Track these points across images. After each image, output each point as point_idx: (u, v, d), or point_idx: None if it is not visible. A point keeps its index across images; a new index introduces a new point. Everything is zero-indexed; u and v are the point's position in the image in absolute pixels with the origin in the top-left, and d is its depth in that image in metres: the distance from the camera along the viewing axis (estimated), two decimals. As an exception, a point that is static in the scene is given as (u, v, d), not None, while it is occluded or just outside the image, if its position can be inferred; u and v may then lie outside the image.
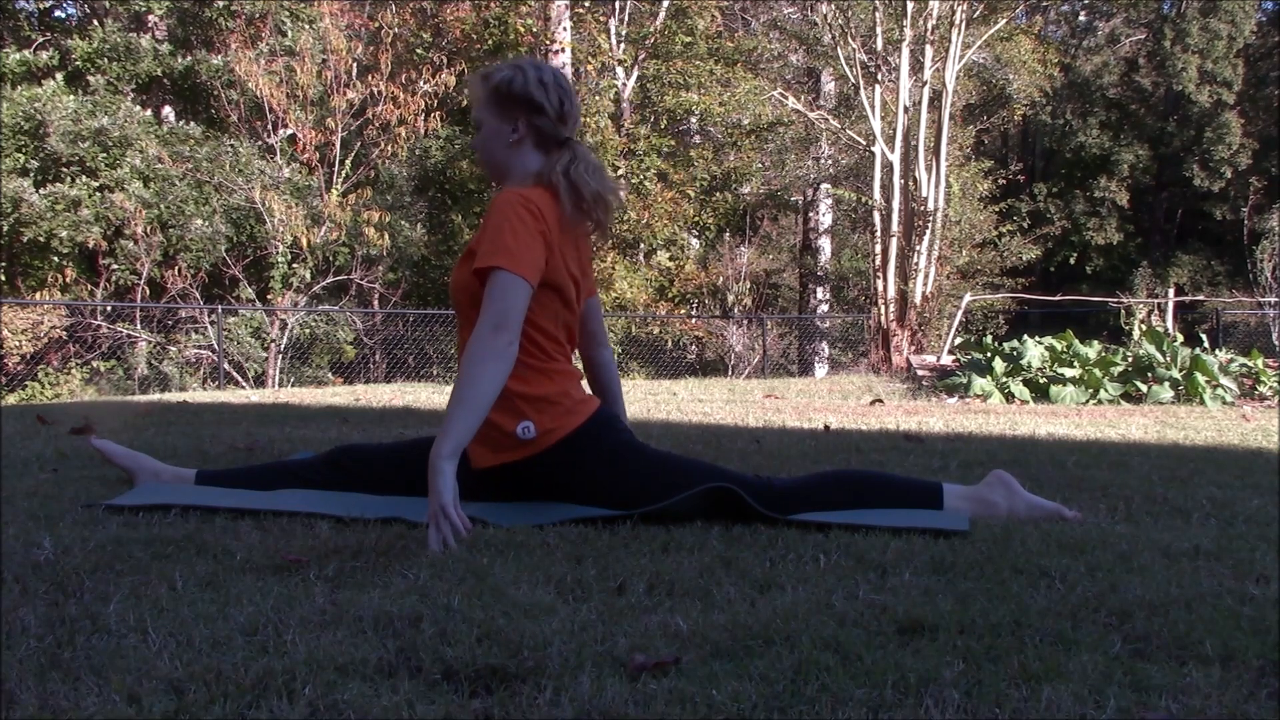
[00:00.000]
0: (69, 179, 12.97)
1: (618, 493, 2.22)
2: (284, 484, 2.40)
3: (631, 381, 12.10)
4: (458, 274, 2.28)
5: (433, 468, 1.96)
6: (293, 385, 12.04)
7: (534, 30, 15.80)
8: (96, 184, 13.03)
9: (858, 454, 3.61)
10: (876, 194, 13.77)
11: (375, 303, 15.42)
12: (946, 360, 10.71)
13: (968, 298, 13.52)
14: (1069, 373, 8.00)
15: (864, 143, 15.09)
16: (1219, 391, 7.66)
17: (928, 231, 13.06)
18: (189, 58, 14.73)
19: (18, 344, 12.16)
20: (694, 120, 18.52)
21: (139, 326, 12.88)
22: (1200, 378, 7.67)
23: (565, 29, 15.78)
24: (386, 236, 13.75)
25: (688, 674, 1.26)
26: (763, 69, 18.05)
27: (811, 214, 20.84)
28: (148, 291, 13.49)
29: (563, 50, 15.75)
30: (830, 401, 7.65)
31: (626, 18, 17.30)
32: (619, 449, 2.27)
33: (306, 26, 14.59)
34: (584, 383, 2.44)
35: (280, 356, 13.02)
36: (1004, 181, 21.57)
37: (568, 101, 2.31)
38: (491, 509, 2.21)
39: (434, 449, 1.98)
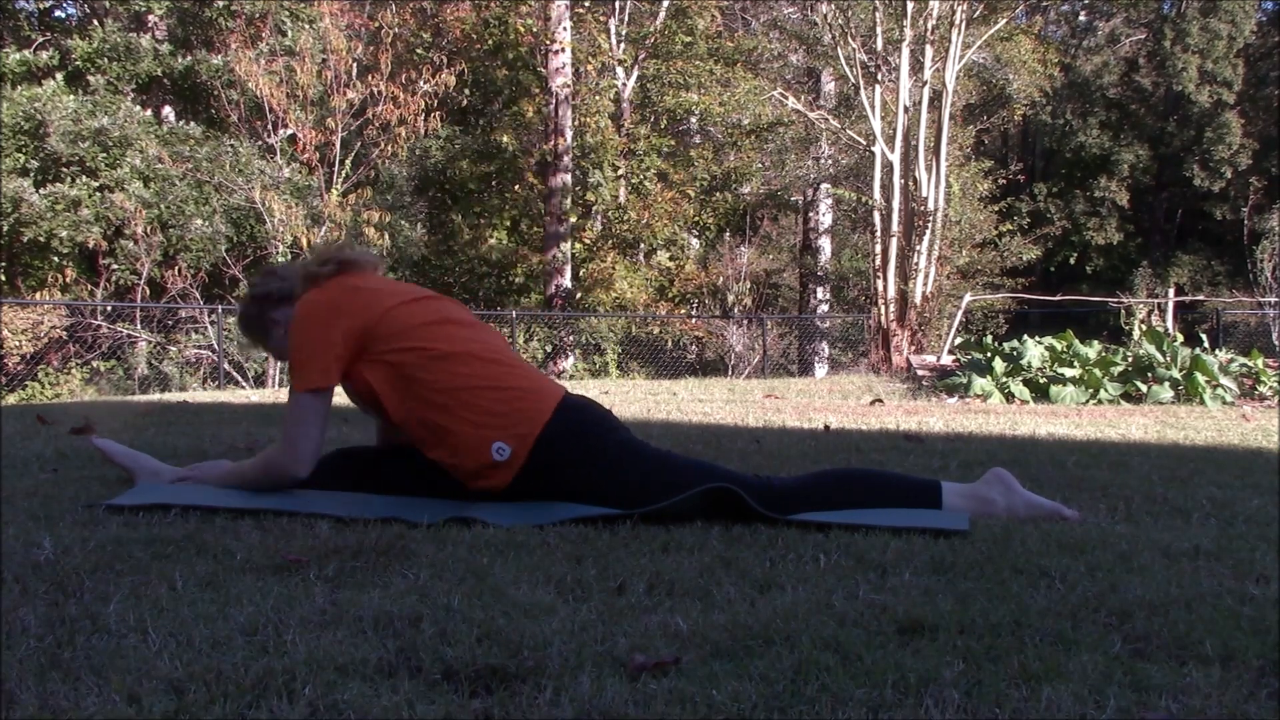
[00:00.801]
0: (69, 179, 12.97)
1: (617, 491, 2.22)
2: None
3: (631, 381, 12.10)
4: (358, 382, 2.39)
5: (214, 477, 2.43)
6: (293, 385, 12.01)
7: (534, 30, 15.80)
8: (96, 184, 13.03)
9: (858, 454, 3.61)
10: (876, 194, 13.77)
11: (375, 303, 15.39)
12: (946, 360, 10.71)
13: (968, 298, 13.52)
14: (1069, 373, 8.00)
15: (864, 143, 15.09)
16: (1219, 391, 7.65)
17: (928, 231, 13.07)
18: (189, 58, 14.73)
19: (18, 344, 12.16)
20: (694, 120, 18.53)
21: (139, 326, 12.88)
22: (1200, 378, 7.67)
23: (565, 29, 15.78)
24: (386, 236, 13.76)
25: (688, 674, 1.26)
26: (763, 69, 18.05)
27: (811, 214, 20.85)
28: (148, 291, 13.49)
29: (563, 50, 15.76)
30: (830, 401, 7.65)
31: (626, 18, 17.30)
32: (613, 447, 2.27)
33: (306, 26, 14.59)
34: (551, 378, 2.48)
35: (280, 356, 13.01)
36: (1004, 181, 21.57)
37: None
38: (491, 509, 2.21)
39: (223, 476, 2.43)
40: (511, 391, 2.28)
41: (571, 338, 15.27)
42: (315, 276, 2.39)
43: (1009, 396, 8.00)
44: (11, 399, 11.34)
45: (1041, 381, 8.07)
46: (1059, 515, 2.33)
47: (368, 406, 2.38)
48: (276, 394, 8.77)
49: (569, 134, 16.00)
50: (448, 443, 2.26)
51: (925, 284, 13.08)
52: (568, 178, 16.09)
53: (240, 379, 12.57)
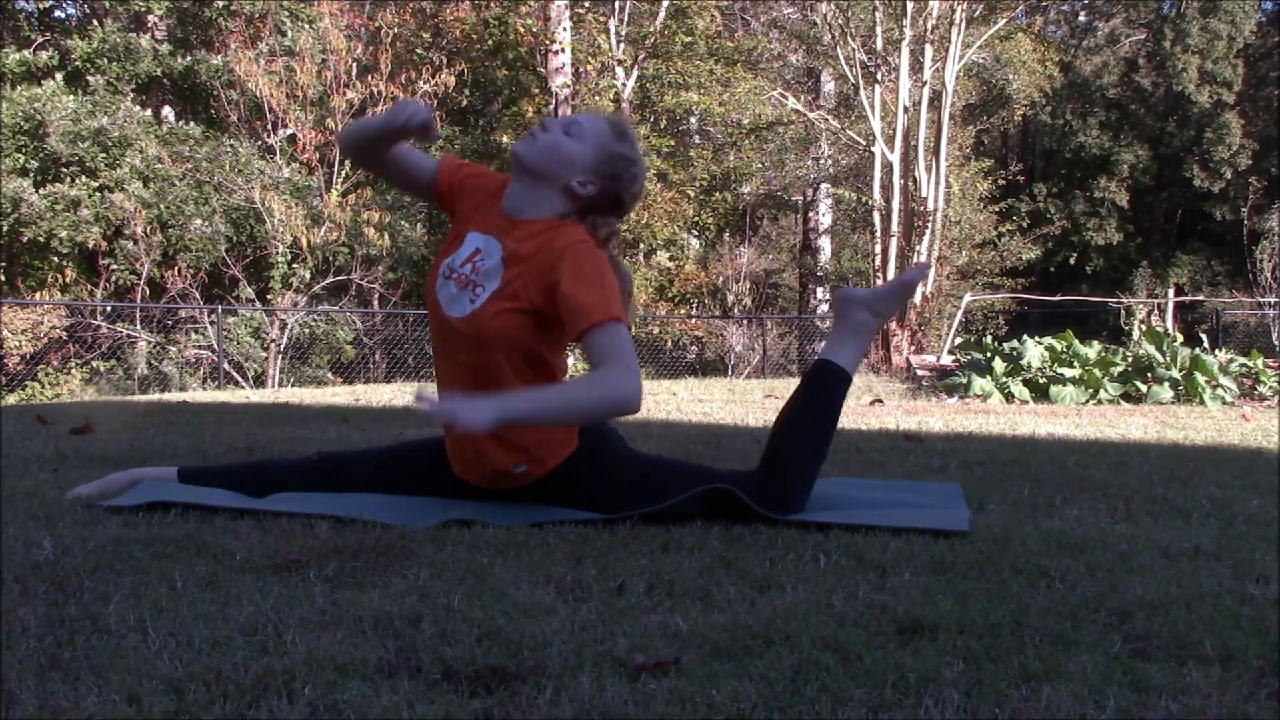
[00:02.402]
0: (69, 179, 12.97)
1: (610, 504, 2.22)
2: (271, 489, 2.38)
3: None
4: (499, 321, 2.12)
5: (472, 406, 1.90)
6: (293, 385, 12.03)
7: (534, 30, 15.80)
8: (96, 184, 13.03)
9: (857, 453, 3.61)
10: (876, 194, 13.77)
11: (375, 303, 15.43)
12: (946, 360, 10.71)
13: (968, 298, 13.53)
14: (1069, 373, 8.00)
15: (864, 143, 15.09)
16: (1219, 391, 7.65)
17: (927, 231, 13.07)
18: (189, 58, 14.72)
19: (18, 344, 12.16)
20: (694, 120, 18.52)
21: (139, 326, 12.87)
22: (1200, 378, 7.67)
23: (565, 29, 15.77)
24: (386, 236, 13.75)
25: (688, 674, 1.26)
26: (763, 69, 18.04)
27: (811, 214, 20.85)
28: (147, 291, 13.49)
29: (563, 50, 15.75)
30: (830, 401, 7.63)
31: (626, 18, 17.29)
32: (612, 465, 2.26)
33: (306, 26, 14.59)
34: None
35: (280, 356, 13.02)
36: (1004, 181, 21.56)
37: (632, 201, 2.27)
38: (491, 509, 2.21)
39: (491, 404, 1.92)
40: None
41: (571, 338, 15.26)
42: (607, 244, 2.21)
43: (1009, 396, 8.00)
44: (11, 399, 11.34)
45: (1041, 381, 8.07)
46: (905, 284, 2.40)
47: (492, 347, 2.14)
48: (276, 394, 8.77)
49: (569, 134, 15.98)
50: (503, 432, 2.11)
51: (925, 284, 13.08)
52: (568, 178, 16.07)
53: (240, 379, 12.57)
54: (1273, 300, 15.94)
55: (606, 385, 2.00)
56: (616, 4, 17.09)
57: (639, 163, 2.23)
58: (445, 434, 2.32)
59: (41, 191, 12.70)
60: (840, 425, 4.76)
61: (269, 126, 14.10)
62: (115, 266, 13.26)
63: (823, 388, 2.35)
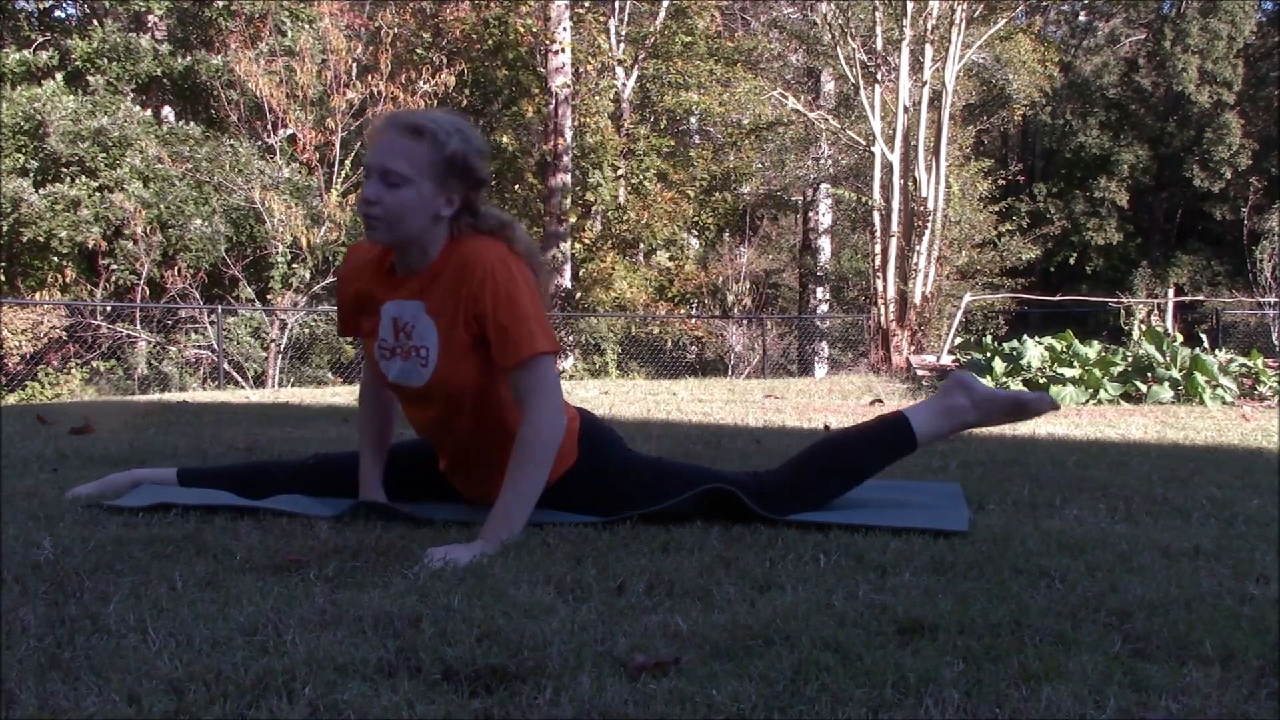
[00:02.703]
0: (69, 179, 12.97)
1: (611, 508, 2.22)
2: (269, 491, 2.38)
3: (631, 381, 12.10)
4: (460, 369, 2.11)
5: (468, 549, 1.90)
6: (293, 385, 12.03)
7: (534, 30, 15.80)
8: (96, 184, 13.03)
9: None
10: (876, 194, 13.77)
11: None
12: (946, 360, 10.71)
13: (967, 298, 13.52)
14: (1069, 373, 8.00)
15: (864, 143, 15.09)
16: (1219, 391, 7.65)
17: (927, 231, 13.06)
18: (189, 58, 14.72)
19: (18, 344, 12.15)
20: (694, 120, 18.53)
21: (139, 326, 12.87)
22: (1200, 378, 7.67)
23: (565, 29, 15.77)
24: (386, 236, 13.73)
25: (688, 674, 1.26)
26: (763, 69, 18.05)
27: (811, 214, 20.85)
28: (147, 291, 13.49)
29: (563, 50, 15.75)
30: (830, 401, 7.65)
31: (626, 18, 17.29)
32: (611, 471, 2.25)
33: (306, 26, 14.59)
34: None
35: (280, 356, 13.02)
36: (1004, 181, 21.57)
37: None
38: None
39: (487, 537, 1.95)
40: None
41: (571, 338, 15.28)
42: (510, 240, 2.14)
43: (1009, 396, 7.99)
44: (11, 399, 11.34)
45: (1041, 381, 8.07)
46: (1019, 403, 2.33)
47: (464, 399, 2.16)
48: (276, 394, 8.77)
49: (569, 134, 16.00)
50: (495, 451, 2.15)
51: (925, 284, 13.08)
52: (567, 178, 16.09)
53: (240, 379, 12.57)
54: (1273, 300, 15.94)
55: (544, 439, 2.05)
56: (616, 4, 17.09)
57: (458, 133, 2.08)
58: (440, 459, 2.30)
59: (41, 191, 12.69)
60: (840, 425, 4.75)
61: (269, 126, 14.09)
62: (115, 266, 13.26)
63: (883, 443, 2.34)
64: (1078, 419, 5.64)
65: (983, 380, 2.33)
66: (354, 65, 14.13)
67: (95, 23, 14.82)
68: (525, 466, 2.03)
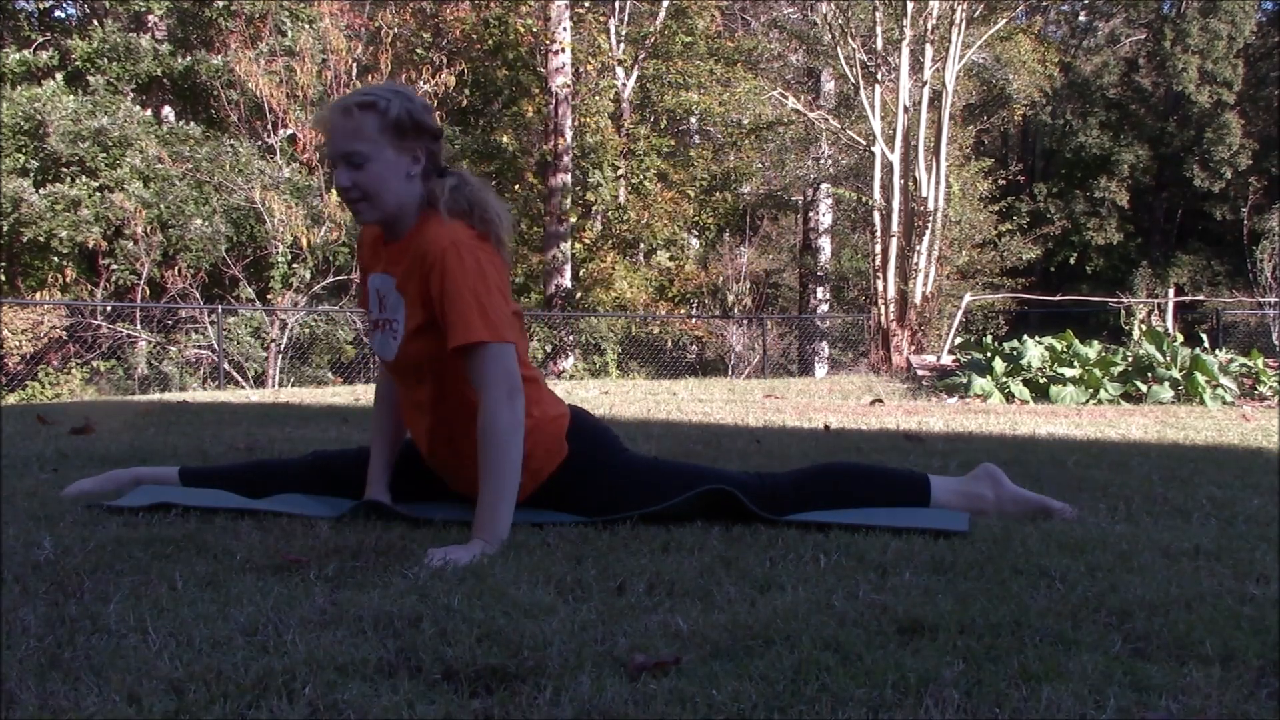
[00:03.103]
0: (69, 179, 12.97)
1: (610, 508, 2.21)
2: (269, 490, 2.38)
3: (631, 381, 12.10)
4: (421, 344, 2.12)
5: (465, 549, 1.90)
6: (293, 385, 12.03)
7: (534, 30, 15.80)
8: (96, 184, 13.03)
9: (858, 454, 3.61)
10: (876, 194, 13.77)
11: (375, 303, 15.39)
12: (946, 360, 10.71)
13: (968, 298, 13.52)
14: (1069, 373, 8.00)
15: (864, 143, 15.09)
16: (1219, 391, 7.66)
17: (928, 231, 13.06)
18: (189, 58, 14.73)
19: (18, 344, 12.16)
20: (694, 120, 18.53)
21: (139, 326, 12.87)
22: (1200, 378, 7.67)
23: (565, 29, 15.78)
24: (386, 236, 13.73)
25: (688, 674, 1.26)
26: (763, 69, 18.05)
27: (811, 214, 20.85)
28: (148, 291, 13.49)
29: (563, 50, 15.75)
30: (830, 401, 7.65)
31: (626, 18, 17.30)
32: (606, 471, 2.24)
33: (306, 26, 14.59)
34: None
35: (280, 356, 13.02)
36: (1004, 181, 21.57)
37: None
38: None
39: (483, 537, 1.94)
40: (532, 420, 2.15)
41: (571, 337, 15.28)
42: (480, 222, 2.13)
43: (1009, 396, 8.00)
44: (11, 399, 11.34)
45: (1041, 381, 8.08)
46: (1046, 508, 2.33)
47: (425, 376, 2.17)
48: (276, 394, 8.77)
49: (569, 134, 16.01)
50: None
51: (925, 284, 13.08)
52: (567, 178, 16.10)
53: (240, 379, 12.57)
54: (1273, 300, 15.93)
55: (498, 426, 2.01)
56: (616, 4, 17.09)
57: (396, 95, 2.10)
58: (429, 458, 2.28)
59: (41, 191, 12.70)
60: (840, 425, 4.76)
61: (269, 126, 14.10)
62: (115, 266, 13.26)
63: (897, 487, 2.33)
64: (1078, 419, 5.64)
65: (1009, 480, 2.36)
66: (354, 65, 14.14)
67: (95, 23, 14.83)
68: (486, 456, 2.02)
